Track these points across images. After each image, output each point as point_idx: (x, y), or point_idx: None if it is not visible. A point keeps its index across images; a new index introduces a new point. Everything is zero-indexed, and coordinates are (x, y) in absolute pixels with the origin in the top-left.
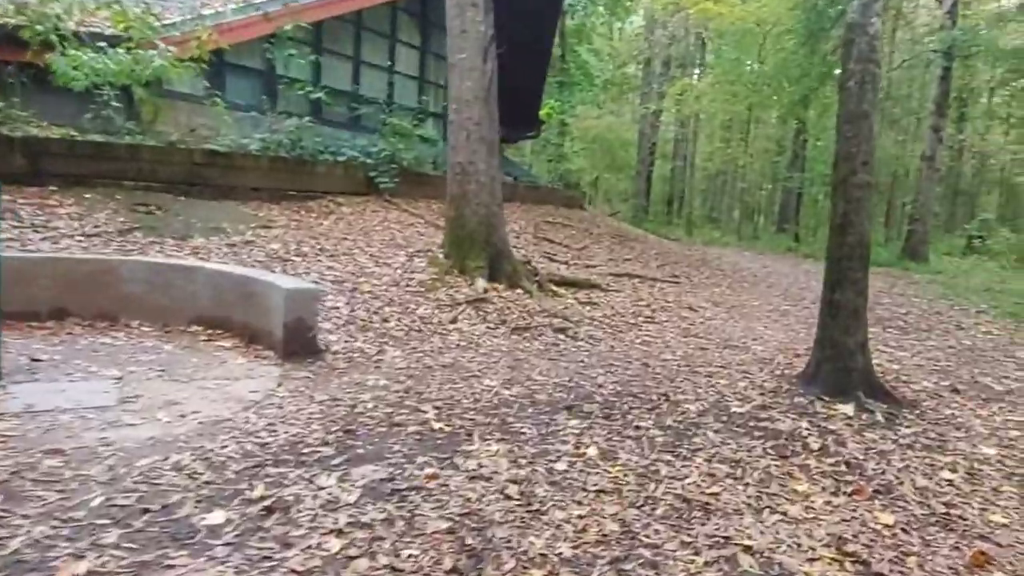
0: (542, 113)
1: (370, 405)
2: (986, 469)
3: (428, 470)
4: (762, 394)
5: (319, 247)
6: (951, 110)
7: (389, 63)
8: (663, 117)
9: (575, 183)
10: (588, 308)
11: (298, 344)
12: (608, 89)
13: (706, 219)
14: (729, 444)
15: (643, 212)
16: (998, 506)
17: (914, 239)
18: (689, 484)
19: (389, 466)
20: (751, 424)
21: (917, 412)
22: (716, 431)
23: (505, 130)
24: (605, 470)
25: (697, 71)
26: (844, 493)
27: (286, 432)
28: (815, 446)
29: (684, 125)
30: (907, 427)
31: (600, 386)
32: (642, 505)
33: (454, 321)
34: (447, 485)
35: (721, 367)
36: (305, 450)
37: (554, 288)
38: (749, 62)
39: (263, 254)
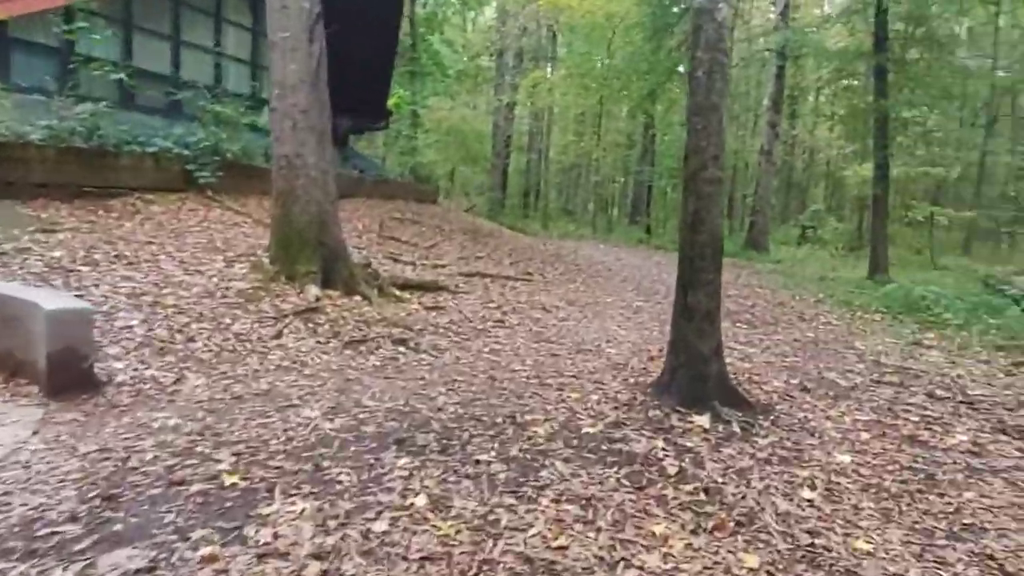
0: (391, 103)
1: (149, 456)
2: (843, 482)
3: (205, 550)
4: (616, 408)
5: (115, 253)
6: (784, 107)
7: (215, 45)
8: (517, 110)
9: (427, 176)
10: (434, 314)
11: (68, 377)
12: (462, 81)
13: (562, 212)
14: (580, 476)
15: (499, 206)
16: (860, 528)
17: (755, 230)
18: (533, 537)
19: (153, 547)
20: (604, 448)
21: (772, 418)
22: (566, 459)
23: (351, 121)
24: (434, 526)
25: (550, 64)
26: (705, 530)
27: (24, 504)
28: (672, 471)
29: (538, 118)
30: (764, 437)
31: (439, 409)
32: (476, 574)
33: (277, 337)
34: (227, 571)
35: (573, 377)
36: (42, 531)
37: (397, 292)
38: (599, 56)
39: (41, 264)
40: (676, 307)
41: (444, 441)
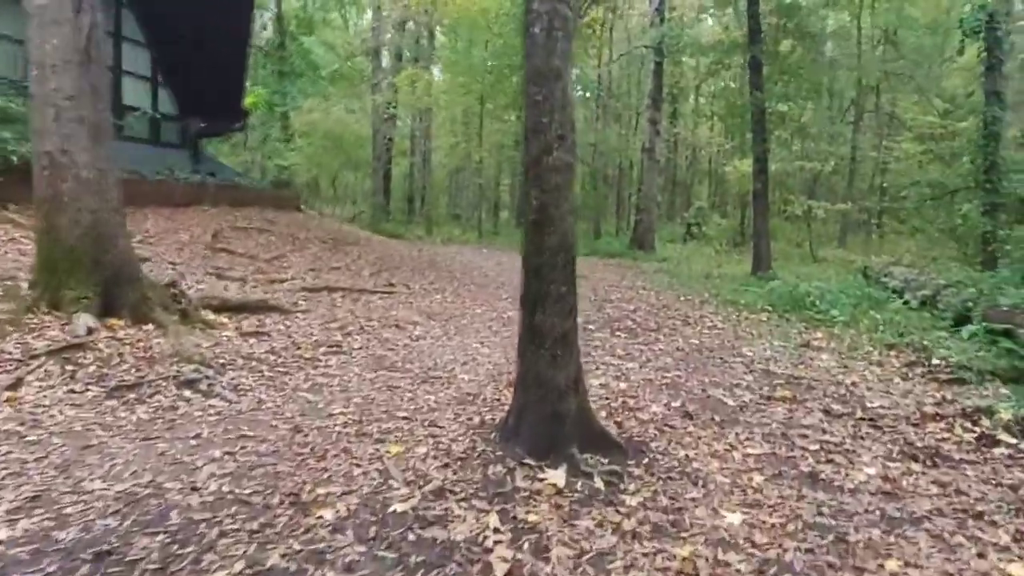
0: (247, 102)
1: None
2: (733, 562)
3: None
4: (446, 465)
5: None
6: (665, 106)
7: None
8: (399, 112)
9: (287, 182)
10: (252, 341)
11: None
12: (336, 82)
13: (450, 217)
14: None
15: (383, 212)
16: None
17: (641, 228)
18: None
19: None
20: (411, 538)
21: (646, 461)
22: (349, 567)
23: (201, 122)
24: None
25: (432, 65)
26: None
27: None
28: (501, 571)
29: (420, 119)
30: (634, 493)
31: (196, 488)
32: None
33: (14, 387)
34: None
35: (405, 419)
36: None
37: (210, 317)
38: (477, 53)
39: None
40: (522, 330)
41: (172, 549)
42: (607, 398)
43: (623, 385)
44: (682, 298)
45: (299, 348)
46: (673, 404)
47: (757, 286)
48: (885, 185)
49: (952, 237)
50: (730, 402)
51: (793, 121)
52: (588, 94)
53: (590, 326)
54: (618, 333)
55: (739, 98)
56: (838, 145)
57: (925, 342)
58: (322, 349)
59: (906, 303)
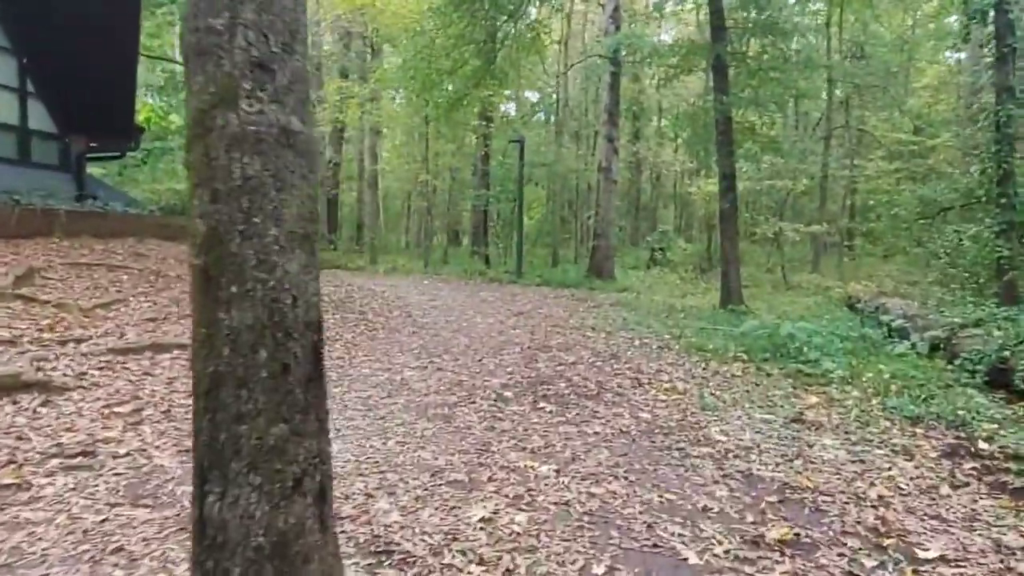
0: (140, 119)
1: None
2: None
3: None
4: None
5: None
6: (626, 124)
7: None
8: (347, 133)
9: (182, 209)
10: None
11: None
12: None
13: (397, 245)
14: None
15: (325, 241)
16: None
17: (598, 255)
18: None
19: None
20: None
21: None
22: None
23: (87, 141)
24: None
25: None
26: None
27: None
28: None
29: (364, 141)
30: None
31: None
32: None
33: None
34: None
35: None
36: None
37: None
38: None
39: None
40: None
41: None
42: (478, 557)
43: (520, 519)
44: (638, 342)
45: (15, 462)
46: (595, 572)
47: (727, 323)
48: (857, 205)
49: (950, 262)
50: (694, 558)
51: (762, 135)
52: (550, 117)
53: (507, 392)
54: (542, 404)
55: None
56: (809, 163)
57: (959, 411)
58: (54, 463)
59: (913, 347)
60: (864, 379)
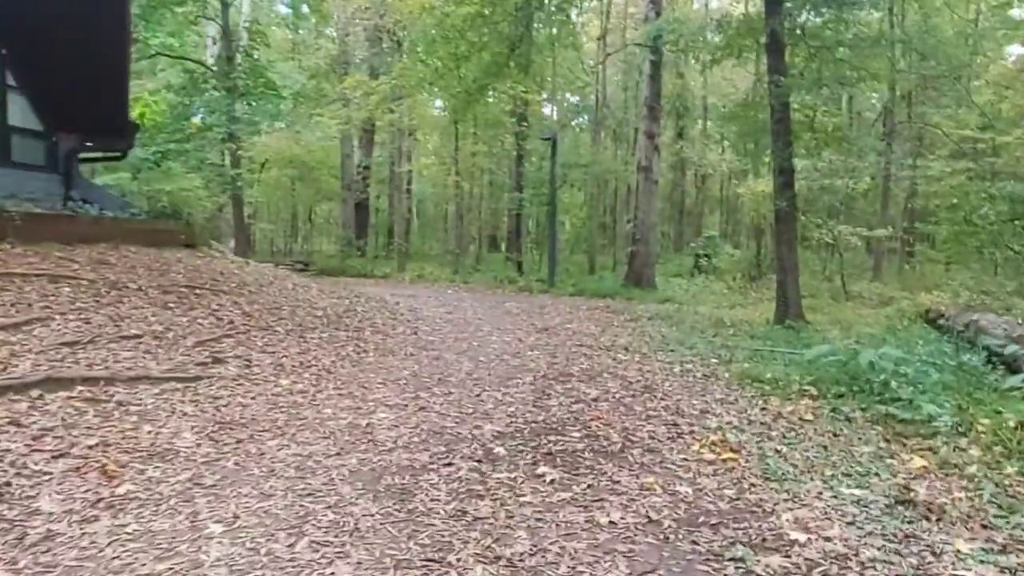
0: (134, 115)
1: None
2: None
3: None
4: None
5: None
6: (669, 122)
7: None
8: (377, 137)
9: (173, 212)
10: None
11: None
12: (300, 103)
13: (429, 252)
14: None
15: (353, 247)
16: None
17: (637, 262)
18: None
19: None
20: None
21: None
22: None
23: (79, 140)
24: None
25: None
26: None
27: None
28: None
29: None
30: None
31: None
32: None
33: None
34: None
35: None
36: None
37: None
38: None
39: None
40: None
41: None
42: None
43: None
44: (678, 368)
45: None
46: None
47: (786, 343)
48: (916, 208)
49: None
50: None
51: (820, 130)
52: (587, 116)
53: (500, 447)
54: (544, 468)
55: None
56: (868, 161)
57: None
58: None
59: None
60: (981, 429)
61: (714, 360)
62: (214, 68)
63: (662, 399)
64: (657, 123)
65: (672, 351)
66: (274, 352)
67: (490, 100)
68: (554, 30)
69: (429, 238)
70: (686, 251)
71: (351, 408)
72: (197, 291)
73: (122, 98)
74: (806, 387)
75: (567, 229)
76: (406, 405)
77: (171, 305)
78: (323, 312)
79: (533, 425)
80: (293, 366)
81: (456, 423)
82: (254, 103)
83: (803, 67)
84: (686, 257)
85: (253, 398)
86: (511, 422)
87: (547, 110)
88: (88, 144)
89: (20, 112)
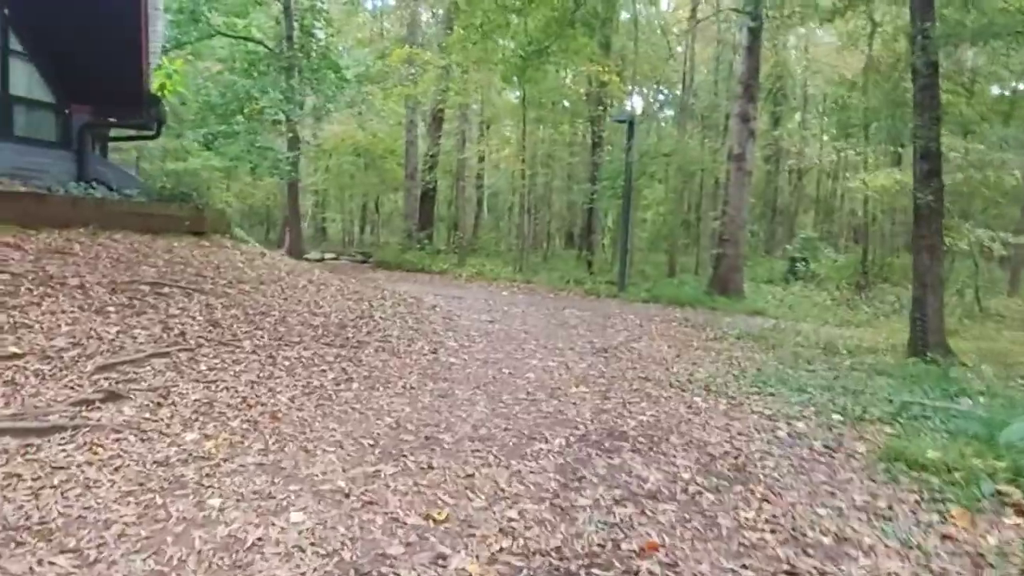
0: (154, 87)
1: None
2: None
3: None
4: None
5: None
6: (765, 105)
7: None
8: (447, 126)
9: (183, 194)
10: None
11: None
12: (364, 86)
13: (497, 247)
14: None
15: (414, 240)
16: None
17: (724, 266)
18: None
19: None
20: None
21: None
22: None
23: (93, 113)
24: None
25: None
26: None
27: None
28: None
29: (459, 123)
30: None
31: None
32: None
33: None
34: None
35: None
36: None
37: None
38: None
39: None
40: None
41: None
42: None
43: None
44: (784, 431)
45: None
46: None
47: (938, 390)
48: None
49: None
50: None
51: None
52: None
53: None
54: None
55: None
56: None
57: None
58: None
59: None
60: None
61: (837, 417)
62: (274, 48)
63: (764, 500)
64: (753, 104)
65: (772, 394)
66: (214, 381)
67: (557, 71)
68: None
69: (499, 232)
70: (777, 254)
71: (255, 498)
72: (163, 290)
73: (138, 66)
74: (1006, 488)
75: (646, 226)
76: (347, 495)
77: (109, 310)
78: (324, 320)
79: (541, 560)
80: (225, 407)
81: (406, 550)
82: (316, 85)
83: (957, 18)
84: (778, 261)
85: (115, 471)
86: (503, 551)
87: (630, 105)
88: (110, 119)
89: (26, 80)
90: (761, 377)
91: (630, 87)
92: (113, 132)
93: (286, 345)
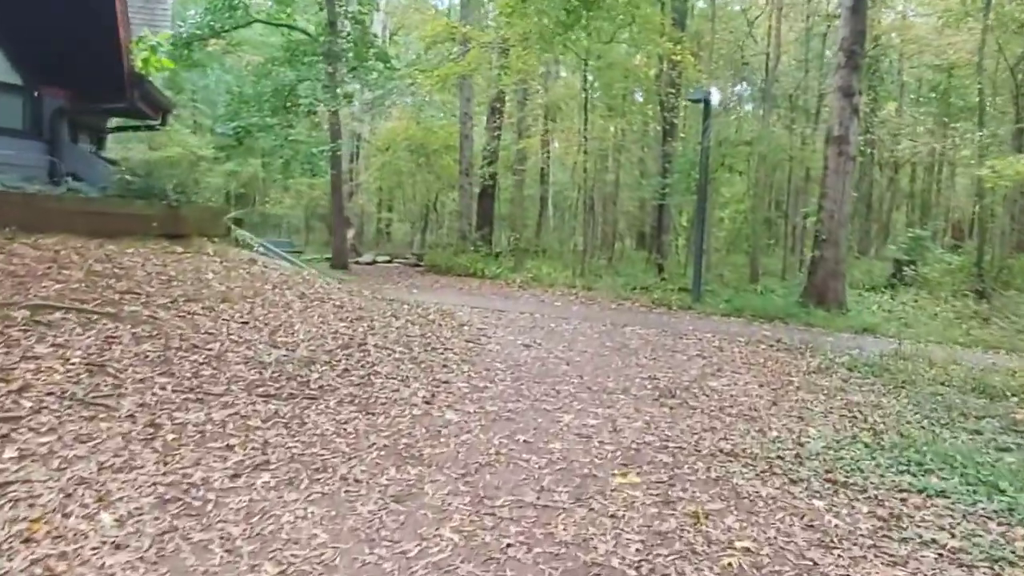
0: (137, 63)
1: None
2: None
3: None
4: None
5: None
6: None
7: None
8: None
9: (152, 188)
10: None
11: None
12: (415, 75)
13: (560, 248)
14: None
15: (468, 241)
16: None
17: (822, 270)
18: None
19: None
20: None
21: None
22: None
23: (70, 98)
24: None
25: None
26: None
27: None
28: None
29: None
30: None
31: None
32: None
33: None
34: None
35: None
36: None
37: None
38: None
39: None
40: None
41: None
42: None
43: None
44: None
45: None
46: None
47: None
48: None
49: None
50: None
51: None
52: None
53: None
54: None
55: None
56: None
57: None
58: None
59: None
60: None
61: None
62: (316, 36)
63: None
64: (857, 75)
65: (941, 493)
66: (11, 483)
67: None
68: None
69: (563, 231)
70: (872, 254)
71: None
72: (50, 316)
73: (115, 42)
74: None
75: (724, 224)
76: None
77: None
78: (283, 354)
79: None
80: None
81: None
82: (363, 75)
83: None
84: (877, 263)
85: None
86: None
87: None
88: (89, 104)
89: None
90: (909, 451)
91: (705, 76)
92: (116, 123)
93: (195, 401)
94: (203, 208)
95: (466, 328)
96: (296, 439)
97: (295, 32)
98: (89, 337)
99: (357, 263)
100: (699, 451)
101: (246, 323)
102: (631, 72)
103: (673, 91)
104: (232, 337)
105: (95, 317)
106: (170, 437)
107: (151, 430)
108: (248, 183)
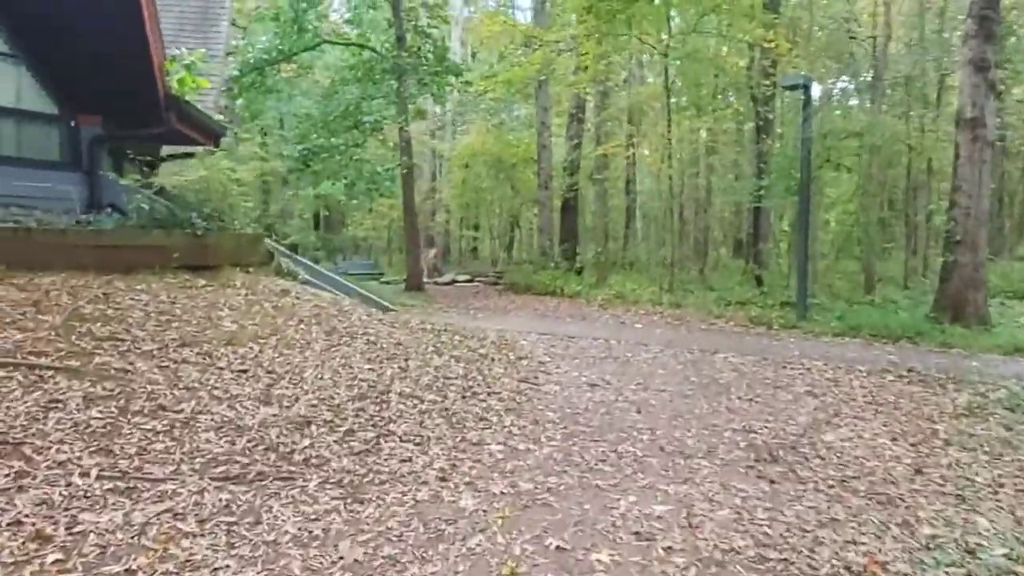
0: (173, 84)
1: None
2: None
3: None
4: None
5: None
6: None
7: None
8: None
9: (165, 220)
10: None
11: None
12: (489, 88)
13: (648, 259)
14: None
15: (548, 257)
16: None
17: (956, 280)
18: None
19: None
20: None
21: None
22: None
23: (105, 125)
24: None
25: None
26: None
27: None
28: None
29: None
30: None
31: None
32: None
33: None
34: None
35: None
36: None
37: None
38: None
39: None
40: None
41: None
42: None
43: None
44: None
45: None
46: None
47: None
48: None
49: None
50: None
51: None
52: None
53: None
54: None
55: None
56: None
57: None
58: None
59: None
60: None
61: None
62: (385, 53)
63: None
64: (992, 45)
65: None
66: None
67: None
68: None
69: (650, 243)
70: (1006, 255)
71: None
72: (5, 372)
73: (147, 63)
74: None
75: (830, 228)
76: None
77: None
78: (272, 415)
79: None
80: None
81: None
82: (436, 91)
83: None
84: (1016, 265)
85: None
86: None
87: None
88: (128, 130)
89: (14, 88)
90: None
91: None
92: (167, 151)
93: (121, 493)
94: (235, 235)
95: (524, 362)
96: (234, 553)
97: (365, 51)
98: (27, 403)
99: (436, 283)
100: (815, 567)
101: (244, 371)
102: (718, 64)
103: (767, 83)
104: (215, 392)
105: (48, 374)
106: (51, 559)
107: (33, 545)
108: (332, 206)
